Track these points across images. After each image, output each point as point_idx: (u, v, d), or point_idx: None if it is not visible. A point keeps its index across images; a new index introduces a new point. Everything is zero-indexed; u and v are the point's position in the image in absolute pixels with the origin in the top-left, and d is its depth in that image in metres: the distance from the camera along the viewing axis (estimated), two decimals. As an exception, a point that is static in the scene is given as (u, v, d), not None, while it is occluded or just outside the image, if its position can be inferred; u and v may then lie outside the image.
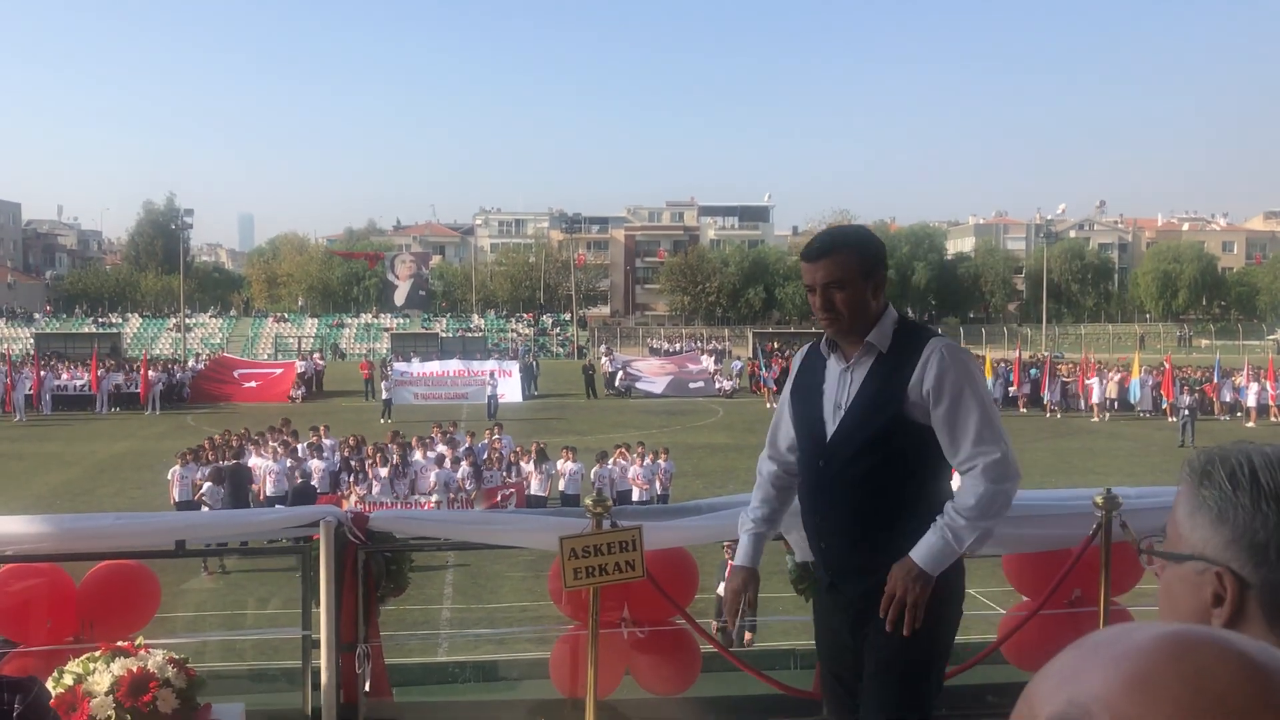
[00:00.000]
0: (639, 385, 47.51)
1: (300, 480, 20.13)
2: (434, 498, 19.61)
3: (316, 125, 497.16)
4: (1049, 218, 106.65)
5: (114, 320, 78.35)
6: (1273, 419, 37.44)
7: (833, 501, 3.32)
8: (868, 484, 3.22)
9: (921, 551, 3.14)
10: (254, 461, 20.27)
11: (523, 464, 21.28)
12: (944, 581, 3.19)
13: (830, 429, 3.30)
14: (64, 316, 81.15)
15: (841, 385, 3.30)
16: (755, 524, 3.66)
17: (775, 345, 56.36)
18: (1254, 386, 38.11)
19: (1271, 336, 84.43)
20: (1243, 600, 1.26)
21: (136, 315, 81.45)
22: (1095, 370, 41.64)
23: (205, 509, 17.78)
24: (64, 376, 43.06)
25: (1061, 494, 5.45)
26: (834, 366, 3.35)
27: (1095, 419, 38.55)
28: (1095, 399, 39.14)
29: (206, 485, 18.16)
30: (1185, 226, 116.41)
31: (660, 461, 20.87)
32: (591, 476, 20.18)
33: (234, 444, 21.27)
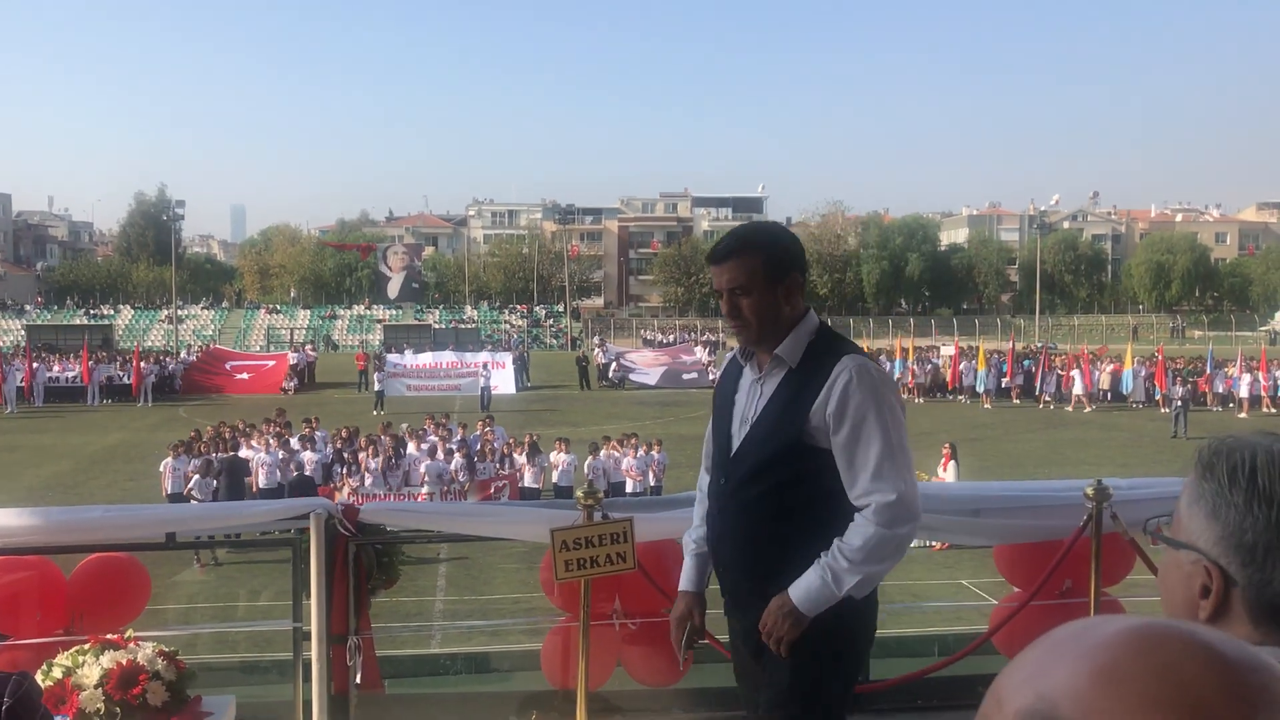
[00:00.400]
0: (632, 377, 47.53)
1: (295, 473, 20.13)
2: (425, 489, 19.60)
3: (308, 116, 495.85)
4: (1042, 209, 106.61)
5: (105, 312, 78.14)
6: (1265, 410, 37.53)
7: (729, 523, 3.10)
8: (763, 507, 2.99)
9: (799, 589, 2.90)
10: (246, 453, 20.24)
11: (516, 456, 21.27)
12: (839, 621, 2.92)
13: (735, 444, 3.08)
14: (55, 308, 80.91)
15: (751, 398, 3.08)
16: (697, 544, 3.33)
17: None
18: (1246, 378, 38.19)
19: (1264, 327, 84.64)
20: (1228, 596, 1.26)
21: (128, 307, 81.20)
22: (1076, 362, 41.76)
23: (194, 501, 17.80)
24: (55, 368, 42.95)
25: (1052, 485, 5.46)
26: (748, 376, 3.14)
27: (1075, 408, 38.68)
28: (1077, 389, 39.22)
29: (195, 478, 18.14)
30: (1178, 217, 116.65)
31: (654, 453, 20.89)
32: (585, 468, 20.19)
33: (225, 435, 21.24)
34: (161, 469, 19.15)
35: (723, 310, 3.04)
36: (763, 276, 2.91)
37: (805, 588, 2.89)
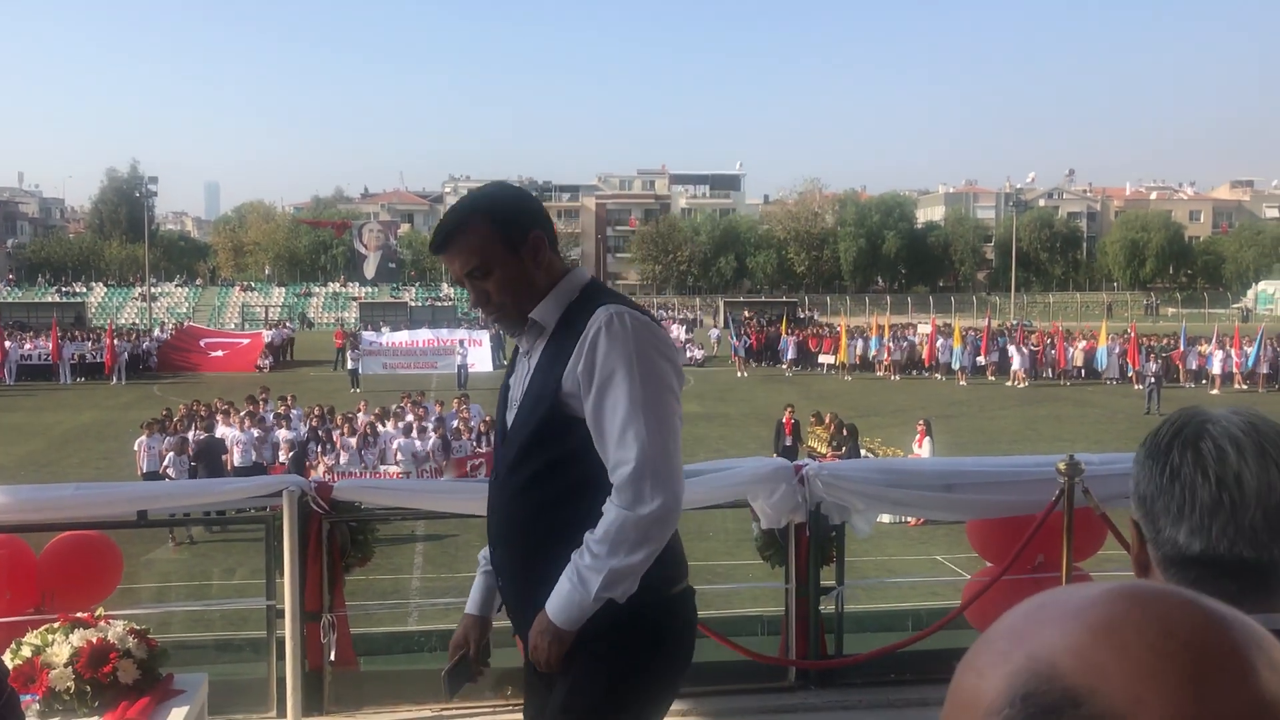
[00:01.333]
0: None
1: (269, 449, 20.05)
2: (399, 468, 19.56)
3: (283, 92, 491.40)
4: (1018, 187, 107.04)
5: (78, 289, 77.44)
6: (1237, 386, 37.91)
7: (499, 519, 2.63)
8: (530, 496, 2.52)
9: (553, 600, 2.43)
10: (221, 431, 20.12)
11: (493, 434, 21.22)
12: (619, 628, 2.41)
13: (507, 431, 2.66)
14: (26, 286, 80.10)
15: (518, 376, 2.64)
16: (485, 559, 2.79)
17: (749, 315, 56.49)
18: (1219, 354, 38.54)
19: (1237, 305, 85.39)
20: (1144, 550, 1.32)
21: (101, 284, 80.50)
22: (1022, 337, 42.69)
23: (168, 479, 17.70)
24: (27, 346, 42.54)
25: (1025, 460, 5.50)
26: (521, 352, 2.67)
27: (1013, 382, 39.32)
28: (1015, 365, 39.85)
29: (170, 455, 18.04)
30: (1153, 195, 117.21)
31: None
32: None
33: (201, 414, 21.12)
34: (136, 448, 19.00)
35: (470, 301, 2.61)
36: (500, 246, 2.46)
37: (557, 597, 2.42)
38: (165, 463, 18.05)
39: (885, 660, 5.28)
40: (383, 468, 19.75)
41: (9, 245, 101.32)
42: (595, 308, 2.43)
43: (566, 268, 2.59)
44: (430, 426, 21.07)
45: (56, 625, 3.85)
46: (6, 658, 3.63)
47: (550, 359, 2.48)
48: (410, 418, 21.86)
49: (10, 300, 69.46)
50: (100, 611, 4.08)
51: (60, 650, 3.66)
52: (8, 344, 41.15)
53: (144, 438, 18.94)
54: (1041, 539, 5.04)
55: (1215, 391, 37.07)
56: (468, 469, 20.37)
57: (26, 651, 3.69)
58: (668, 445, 2.37)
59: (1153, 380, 32.41)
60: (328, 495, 4.84)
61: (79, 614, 4.00)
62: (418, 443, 20.26)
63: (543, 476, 2.49)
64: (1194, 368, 39.60)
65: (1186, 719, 0.60)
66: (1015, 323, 52.32)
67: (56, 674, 3.61)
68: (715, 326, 60.36)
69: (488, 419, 22.18)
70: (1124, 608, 0.66)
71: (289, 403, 22.58)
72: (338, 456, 19.83)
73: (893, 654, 5.25)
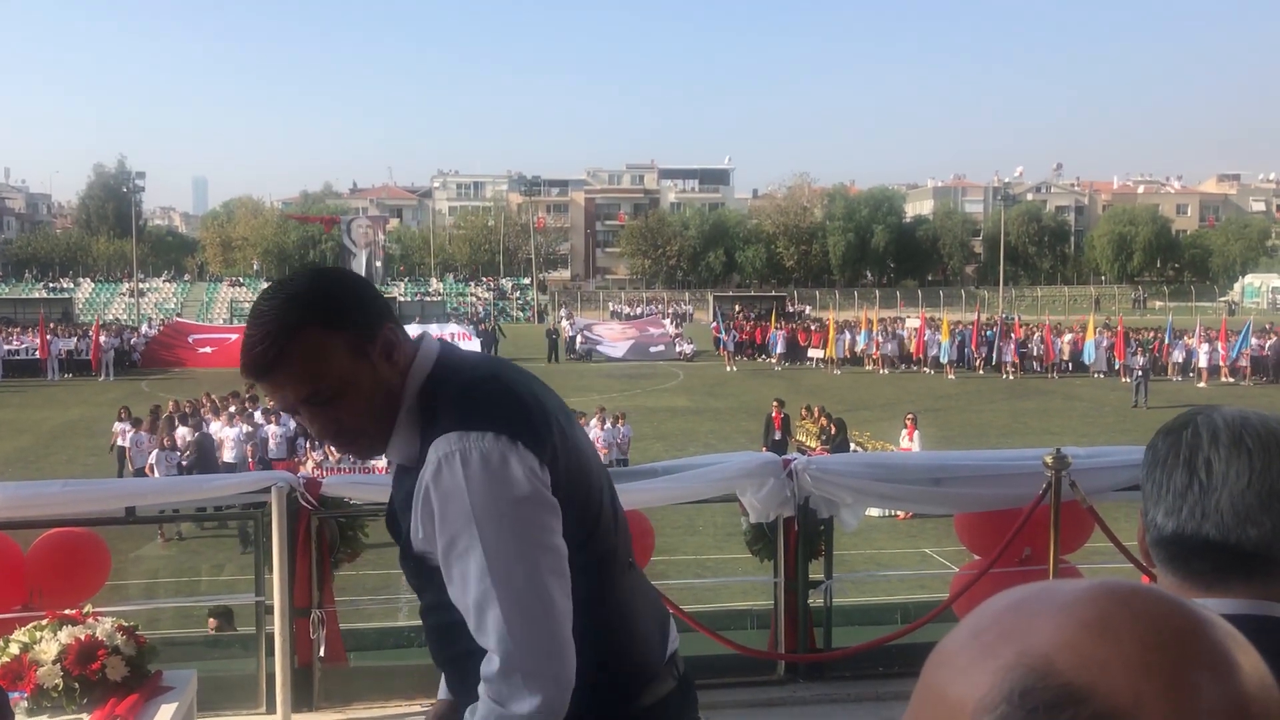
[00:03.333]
0: (599, 349, 47.50)
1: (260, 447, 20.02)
2: (385, 461, 19.49)
3: (271, 87, 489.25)
4: (1007, 181, 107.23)
5: (65, 285, 77.09)
6: (1223, 379, 38.07)
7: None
8: (426, 623, 2.11)
9: None
10: (211, 428, 20.08)
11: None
12: None
13: None
14: (13, 281, 79.71)
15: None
16: None
17: (739, 309, 56.52)
18: (1205, 347, 38.71)
19: (1223, 298, 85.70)
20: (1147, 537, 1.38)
21: (88, 280, 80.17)
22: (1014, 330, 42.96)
23: (154, 475, 17.67)
24: (15, 342, 42.34)
25: (1012, 454, 5.52)
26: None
27: (1004, 376, 39.72)
28: (1006, 357, 40.38)
29: (155, 452, 18.01)
30: (1140, 189, 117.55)
31: (619, 426, 20.92)
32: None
33: (186, 409, 21.08)
34: (126, 444, 18.99)
35: (311, 432, 1.94)
36: (345, 356, 1.84)
37: None
38: (153, 460, 18.02)
39: (874, 653, 5.30)
40: (371, 462, 19.69)
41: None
42: (434, 424, 1.86)
43: (415, 349, 1.96)
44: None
45: (44, 622, 3.84)
46: (-6, 655, 3.62)
47: (405, 499, 1.94)
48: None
49: (-3, 296, 69.06)
50: (88, 608, 4.07)
51: (48, 647, 3.66)
52: (-5, 340, 40.98)
53: (133, 433, 18.95)
54: (1028, 532, 5.07)
55: (1202, 385, 37.23)
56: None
57: (14, 649, 3.68)
58: (539, 627, 1.81)
59: (1140, 374, 32.53)
60: (316, 491, 4.84)
61: (67, 611, 4.00)
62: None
63: (439, 634, 2.06)
64: (1180, 361, 39.77)
65: (1185, 713, 0.62)
66: (1003, 316, 52.38)
67: (44, 671, 3.60)
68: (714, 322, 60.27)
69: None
70: (1112, 605, 0.67)
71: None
72: (325, 452, 19.79)
73: (881, 647, 5.28)
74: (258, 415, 21.17)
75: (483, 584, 1.80)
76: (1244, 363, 38.30)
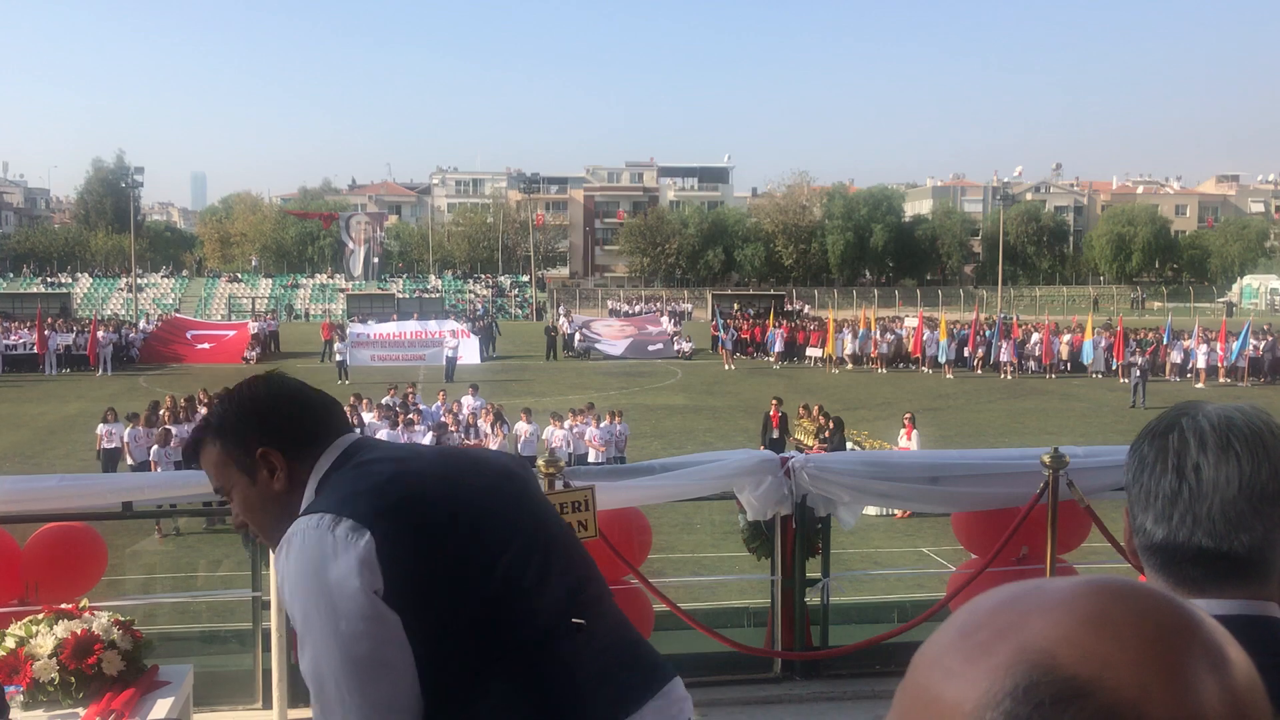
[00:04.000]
0: (598, 347, 47.49)
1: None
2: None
3: (270, 82, 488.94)
4: (1006, 180, 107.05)
5: (63, 280, 77.01)
6: (1221, 380, 38.10)
7: None
8: None
9: None
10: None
11: (482, 424, 21.24)
12: None
13: None
14: (11, 276, 79.61)
15: None
16: None
17: (736, 307, 56.51)
18: (1203, 348, 38.72)
19: (1222, 299, 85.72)
20: (1133, 539, 1.37)
21: (87, 275, 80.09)
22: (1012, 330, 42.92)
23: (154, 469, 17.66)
24: (13, 337, 42.31)
25: (1010, 453, 5.52)
26: None
27: (1002, 376, 39.70)
28: (1003, 357, 40.43)
29: (154, 448, 18.00)
30: (1139, 190, 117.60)
31: (616, 424, 20.91)
32: (547, 437, 20.19)
33: (184, 405, 21.08)
34: (125, 439, 18.99)
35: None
36: (232, 467, 2.03)
37: None
38: (153, 456, 18.02)
39: (870, 651, 5.30)
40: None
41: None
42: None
43: (311, 462, 2.02)
44: (412, 417, 20.95)
45: (41, 616, 3.84)
46: (-10, 649, 3.62)
47: None
48: (396, 409, 21.80)
49: (-5, 291, 69.00)
50: (85, 603, 4.07)
51: (44, 641, 3.65)
52: (-7, 335, 40.95)
53: (129, 428, 18.94)
54: (1026, 531, 5.07)
55: (1200, 385, 37.25)
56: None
57: (10, 643, 3.68)
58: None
59: (1138, 374, 32.54)
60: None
61: (63, 605, 3.99)
62: (403, 434, 20.20)
63: None
64: (1179, 361, 39.78)
65: (1188, 705, 0.63)
66: (1001, 316, 52.40)
67: (40, 665, 3.60)
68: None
69: (489, 406, 21.98)
70: (1106, 599, 0.67)
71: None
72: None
73: (878, 645, 5.28)
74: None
75: (321, 676, 1.79)
76: (1242, 364, 38.30)
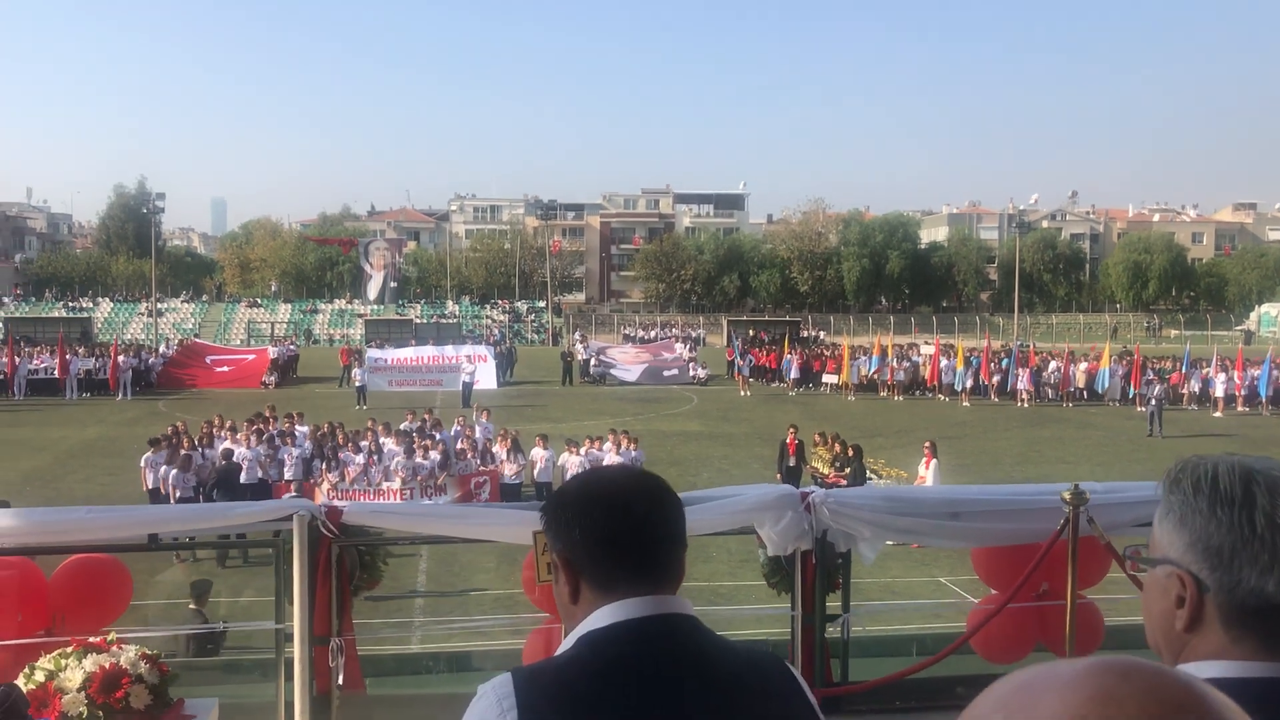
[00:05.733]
0: (613, 373, 47.52)
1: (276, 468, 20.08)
2: (399, 484, 19.55)
3: (291, 110, 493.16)
4: (1022, 208, 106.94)
5: (84, 305, 77.56)
6: (1239, 409, 37.84)
7: None
8: None
9: None
10: (225, 448, 20.15)
11: (498, 450, 21.28)
12: None
13: None
14: (34, 300, 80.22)
15: None
16: None
17: (752, 333, 56.52)
18: (1221, 377, 38.49)
19: (1239, 327, 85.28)
20: (1201, 602, 1.32)
21: (107, 300, 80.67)
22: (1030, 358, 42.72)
23: (174, 496, 17.75)
24: (35, 361, 42.60)
25: (1030, 489, 5.52)
26: None
27: (1019, 404, 39.56)
28: (1021, 384, 40.27)
29: (173, 473, 18.07)
30: (1156, 217, 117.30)
31: (632, 450, 20.92)
32: (562, 463, 20.20)
33: (204, 431, 21.17)
34: (141, 464, 19.08)
35: None
36: (550, 556, 1.96)
37: None
38: (171, 482, 18.09)
39: (891, 687, 5.29)
40: (386, 484, 19.75)
41: (17, 260, 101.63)
42: None
43: (593, 603, 1.91)
44: (428, 443, 20.99)
45: (70, 650, 3.88)
46: (20, 681, 3.66)
47: None
48: (413, 434, 21.84)
49: (18, 315, 69.49)
50: (113, 636, 4.11)
51: (73, 675, 3.70)
52: (17, 359, 41.20)
53: (149, 454, 19.02)
54: (1046, 567, 5.07)
55: (1218, 414, 37.01)
56: (470, 487, 20.38)
57: (40, 676, 3.72)
58: None
59: (1155, 403, 32.36)
60: (337, 519, 4.86)
61: (92, 638, 4.03)
62: (419, 460, 20.25)
63: None
64: (1196, 390, 39.54)
65: None
66: (1018, 344, 52.25)
67: (69, 699, 3.64)
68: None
69: (504, 432, 21.99)
70: (1112, 679, 0.71)
71: (294, 419, 22.66)
72: (342, 474, 19.86)
73: (899, 681, 5.27)
74: (274, 436, 21.26)
75: None
76: (1269, 392, 37.87)
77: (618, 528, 1.86)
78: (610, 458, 20.51)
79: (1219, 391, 38.19)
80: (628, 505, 1.88)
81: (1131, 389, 38.93)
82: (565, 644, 1.84)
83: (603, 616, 1.81)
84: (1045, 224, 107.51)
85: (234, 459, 19.35)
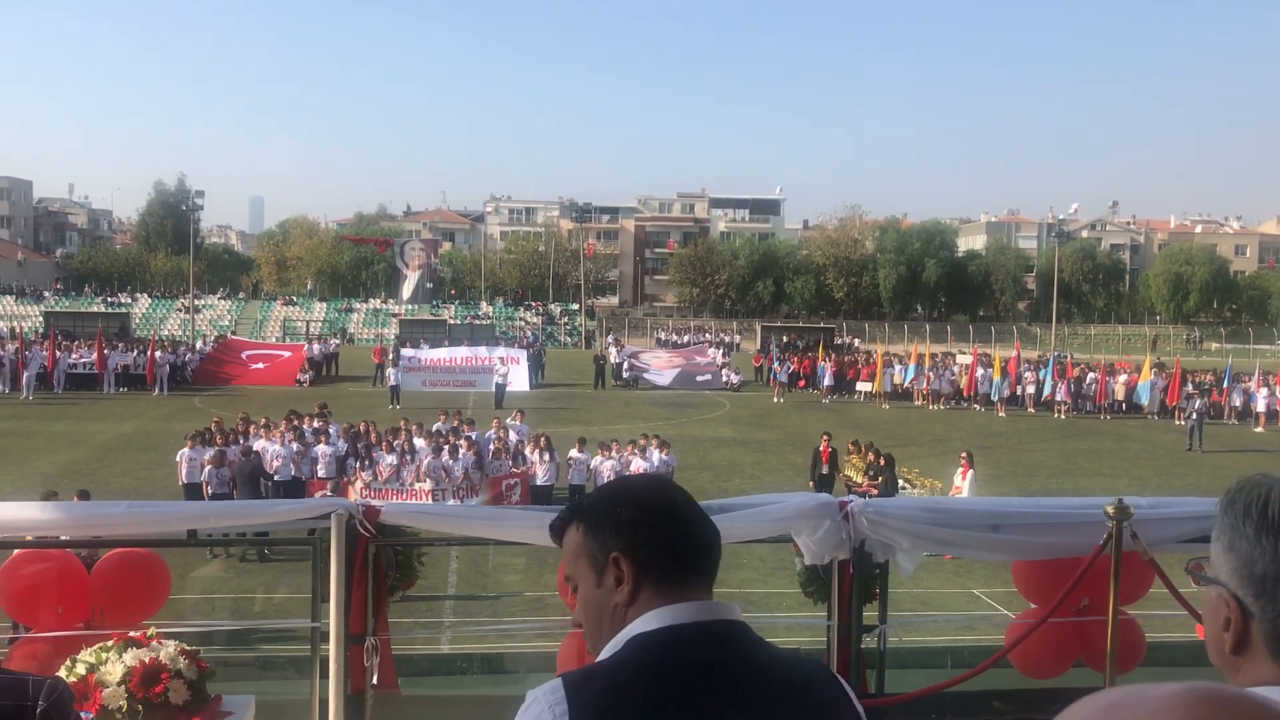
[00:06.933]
0: (646, 377, 47.51)
1: (305, 464, 20.21)
2: (429, 485, 19.61)
3: (329, 109, 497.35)
4: (1061, 217, 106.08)
5: (123, 300, 78.46)
6: (1281, 424, 37.34)
7: None
8: None
9: None
10: (260, 444, 20.30)
11: (528, 452, 21.30)
12: None
13: None
14: (73, 295, 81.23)
15: None
16: None
17: (789, 339, 56.37)
18: (1264, 391, 37.98)
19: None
20: (1246, 628, 1.29)
21: (146, 295, 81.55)
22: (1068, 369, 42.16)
23: (208, 491, 17.90)
24: (74, 355, 43.15)
25: (1072, 502, 5.44)
26: None
27: (1056, 415, 39.04)
28: (1055, 396, 40.01)
29: (208, 469, 18.21)
30: (1198, 229, 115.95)
31: (664, 455, 20.90)
32: (595, 466, 20.21)
33: (239, 427, 21.33)
34: (178, 459, 19.26)
35: None
36: (582, 554, 1.90)
37: None
38: (204, 476, 18.23)
39: (927, 699, 5.24)
40: (418, 484, 19.83)
41: (58, 255, 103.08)
42: None
43: (642, 600, 1.87)
44: (460, 445, 21.02)
45: (110, 644, 3.91)
46: (62, 673, 3.69)
47: None
48: (448, 435, 21.90)
49: (58, 309, 70.37)
50: (152, 630, 4.13)
51: (114, 669, 3.72)
52: (57, 354, 41.72)
53: (186, 449, 19.19)
54: (1087, 581, 4.99)
55: (1259, 429, 36.51)
56: (502, 488, 20.42)
57: (81, 669, 3.74)
58: None
59: (1195, 416, 31.96)
60: (375, 518, 4.87)
61: (132, 633, 4.06)
62: (449, 460, 20.28)
63: None
64: (1238, 404, 39.02)
65: None
66: (1055, 354, 51.79)
67: (109, 692, 3.66)
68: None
69: (539, 435, 22.01)
70: (1208, 709, 0.68)
71: (327, 418, 22.84)
72: (375, 472, 19.96)
73: (935, 694, 5.21)
74: (308, 434, 21.39)
75: None
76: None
77: (682, 529, 1.85)
78: (638, 463, 20.48)
79: (1260, 406, 37.68)
80: (684, 507, 1.89)
81: (1169, 402, 38.50)
82: (611, 647, 1.80)
83: (653, 620, 1.78)
84: (1085, 234, 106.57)
85: (261, 455, 19.52)
